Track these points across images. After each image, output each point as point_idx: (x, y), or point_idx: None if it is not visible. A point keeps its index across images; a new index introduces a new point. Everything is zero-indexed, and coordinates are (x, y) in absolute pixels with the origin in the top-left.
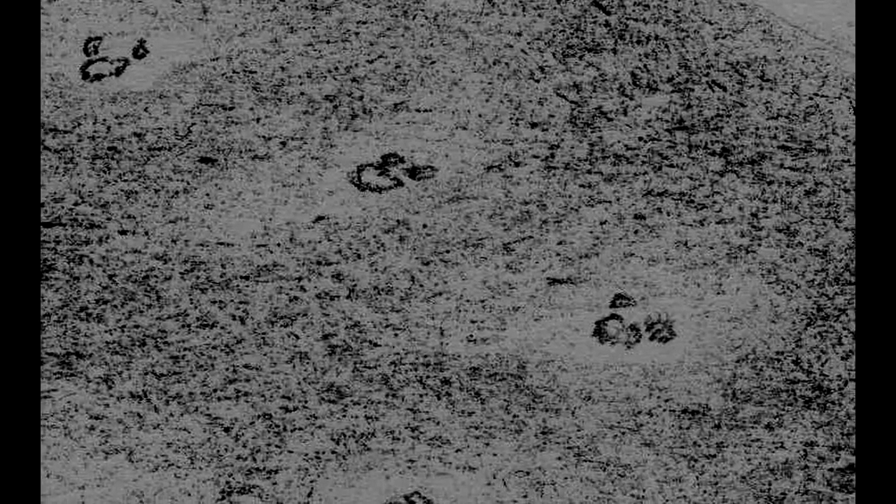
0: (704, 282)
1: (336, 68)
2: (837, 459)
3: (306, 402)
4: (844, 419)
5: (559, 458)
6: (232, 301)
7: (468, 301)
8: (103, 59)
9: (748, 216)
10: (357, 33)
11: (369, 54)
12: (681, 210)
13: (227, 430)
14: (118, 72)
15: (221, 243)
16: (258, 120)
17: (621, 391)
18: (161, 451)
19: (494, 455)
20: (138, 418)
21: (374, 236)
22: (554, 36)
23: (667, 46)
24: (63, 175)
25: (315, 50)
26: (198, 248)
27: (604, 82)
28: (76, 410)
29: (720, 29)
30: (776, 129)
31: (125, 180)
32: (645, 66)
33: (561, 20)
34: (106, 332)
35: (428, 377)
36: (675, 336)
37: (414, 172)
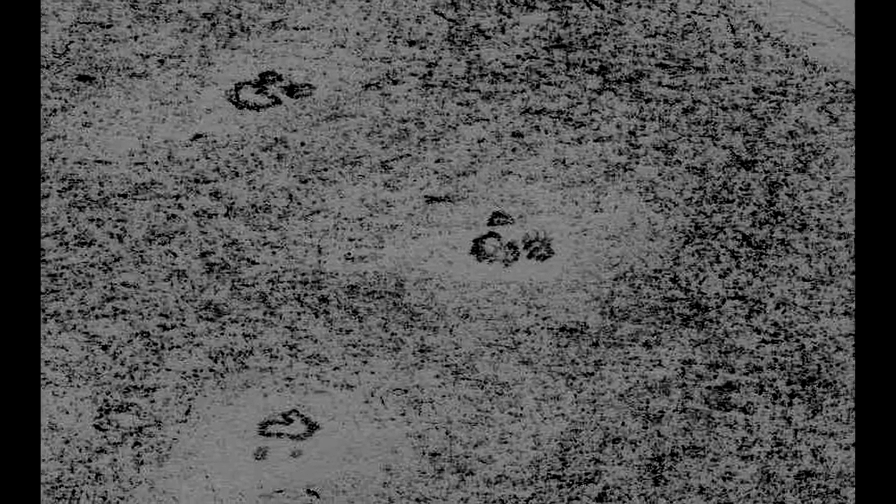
0: (582, 200)
1: None
2: (715, 377)
3: (184, 320)
4: (722, 337)
5: (437, 376)
6: (110, 219)
7: (346, 219)
8: None
9: (626, 134)
10: None
11: None
12: (559, 128)
13: (104, 348)
14: None
15: (99, 161)
16: (136, 38)
17: (499, 309)
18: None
19: (372, 373)
20: None
21: (252, 154)
22: None
23: None
24: None
25: None
26: (75, 166)
27: (481, 0)
28: None
29: None
30: (654, 47)
31: None
32: None
33: None
34: None
35: (306, 295)
36: (553, 254)
37: (292, 90)
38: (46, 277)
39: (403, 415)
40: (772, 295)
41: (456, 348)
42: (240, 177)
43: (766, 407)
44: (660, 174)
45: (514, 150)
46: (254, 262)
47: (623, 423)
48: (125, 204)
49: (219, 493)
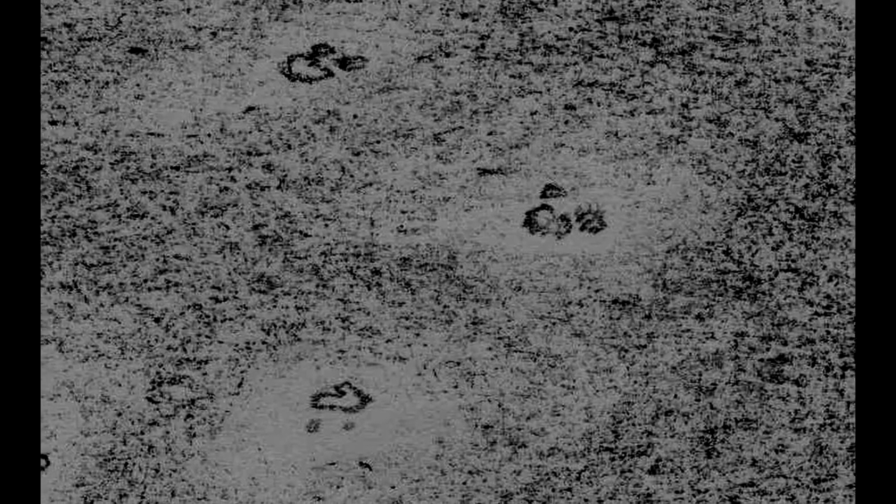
0: (635, 172)
1: None
2: (767, 350)
3: (236, 292)
4: (774, 309)
5: (489, 349)
6: (162, 191)
7: (398, 191)
8: None
9: (679, 106)
10: None
11: None
12: (611, 100)
13: (157, 320)
14: None
15: (152, 133)
16: (188, 10)
17: (552, 281)
18: (91, 342)
19: (425, 345)
20: (68, 309)
21: (305, 127)
22: None
23: None
24: None
25: None
26: (128, 139)
27: None
28: None
29: None
30: (707, 19)
31: (55, 71)
32: None
33: None
34: None
35: (358, 267)
36: (606, 226)
37: (344, 63)
38: (98, 250)
39: (456, 387)
40: (824, 267)
41: (508, 321)
42: (292, 149)
43: (819, 379)
44: (712, 147)
45: (566, 122)
46: (306, 235)
47: (675, 396)
48: (178, 176)
49: (271, 466)
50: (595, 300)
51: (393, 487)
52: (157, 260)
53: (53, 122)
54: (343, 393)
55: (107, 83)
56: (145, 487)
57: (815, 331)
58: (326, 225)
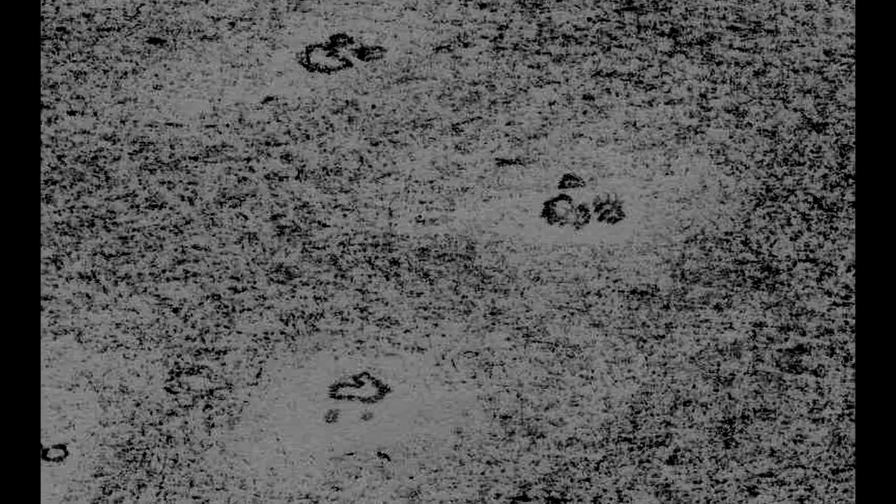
0: (653, 162)
1: None
2: (786, 340)
3: (255, 282)
4: (793, 300)
5: (508, 339)
6: (181, 181)
7: (417, 182)
8: None
9: (697, 97)
10: None
11: None
12: (629, 91)
13: (175, 310)
14: None
15: (170, 124)
16: (207, 0)
17: (570, 272)
18: (110, 332)
19: (443, 336)
20: (87, 299)
21: (323, 117)
22: None
23: None
24: None
25: None
26: (146, 129)
27: None
28: None
29: None
30: (725, 9)
31: (74, 61)
32: None
33: None
34: (55, 212)
35: (377, 258)
36: (624, 217)
37: (363, 53)
38: (117, 240)
39: (474, 377)
40: (843, 258)
41: (527, 311)
42: (311, 139)
43: (837, 369)
44: (731, 137)
45: (584, 112)
46: (325, 225)
47: (694, 386)
48: (196, 167)
49: (290, 456)
50: (613, 290)
51: (411, 478)
52: (176, 250)
53: (72, 113)
54: (361, 383)
55: (125, 73)
56: (164, 477)
57: (833, 321)
58: (345, 215)
